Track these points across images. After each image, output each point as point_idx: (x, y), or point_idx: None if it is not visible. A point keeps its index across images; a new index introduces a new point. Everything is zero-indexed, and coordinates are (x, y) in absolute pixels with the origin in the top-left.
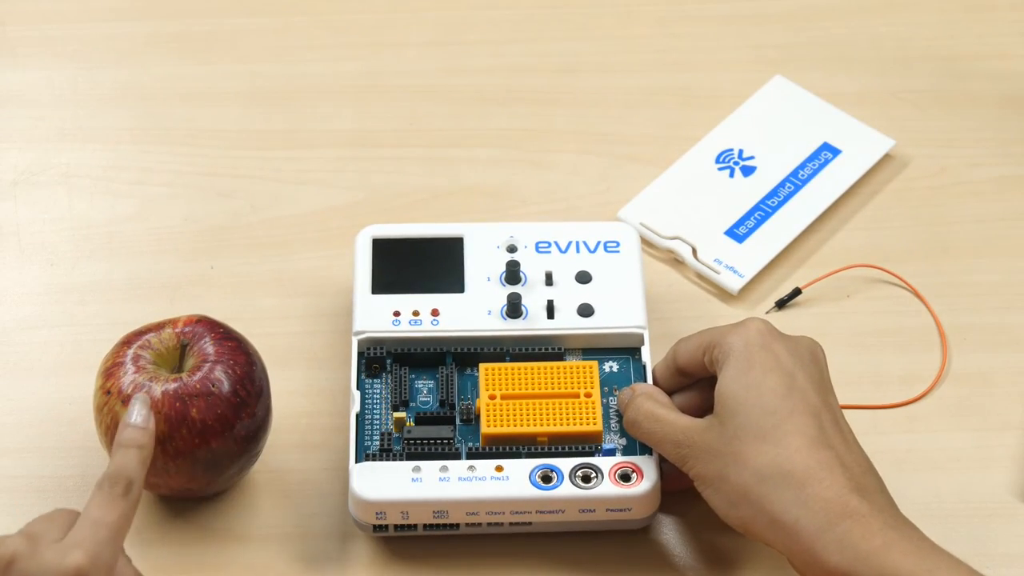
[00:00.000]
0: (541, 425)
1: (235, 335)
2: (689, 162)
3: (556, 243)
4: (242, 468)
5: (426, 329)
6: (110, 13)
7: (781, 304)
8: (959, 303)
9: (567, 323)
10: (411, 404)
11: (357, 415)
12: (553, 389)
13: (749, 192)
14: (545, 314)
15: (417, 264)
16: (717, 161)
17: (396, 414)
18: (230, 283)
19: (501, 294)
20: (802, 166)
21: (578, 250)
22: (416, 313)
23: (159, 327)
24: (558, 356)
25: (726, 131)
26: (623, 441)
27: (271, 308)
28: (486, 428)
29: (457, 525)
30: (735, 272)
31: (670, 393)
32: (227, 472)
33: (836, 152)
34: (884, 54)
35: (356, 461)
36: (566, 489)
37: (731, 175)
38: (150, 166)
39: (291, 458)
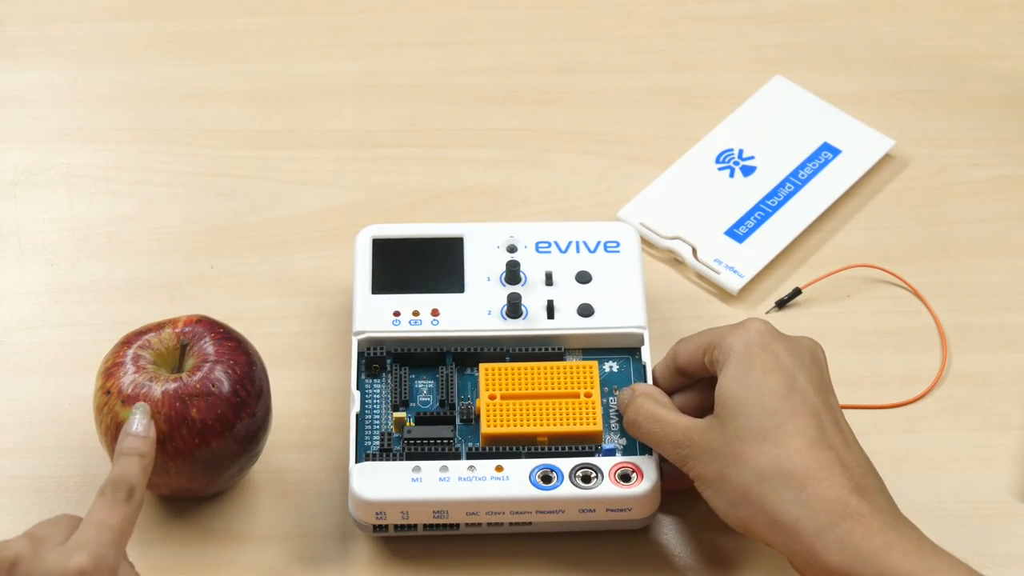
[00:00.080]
0: (541, 425)
1: (235, 335)
2: (689, 162)
3: (556, 243)
4: (242, 468)
5: (426, 329)
6: (110, 13)
7: (781, 304)
8: (959, 303)
9: (567, 323)
10: (411, 404)
11: (357, 415)
12: (553, 389)
13: (749, 192)
14: (545, 314)
15: (417, 264)
16: (717, 161)
17: (396, 414)
18: (230, 283)
19: (501, 294)
20: (802, 166)
21: (578, 250)
22: (416, 313)
23: (159, 327)
24: (558, 356)
25: (726, 131)
26: (623, 441)
27: (271, 308)
28: (486, 428)
29: (457, 525)
30: (735, 272)
31: (670, 393)
32: (227, 472)
33: (836, 152)
34: (884, 54)
35: (356, 461)
36: (566, 489)
37: (731, 175)
38: (150, 166)
39: (291, 458)
